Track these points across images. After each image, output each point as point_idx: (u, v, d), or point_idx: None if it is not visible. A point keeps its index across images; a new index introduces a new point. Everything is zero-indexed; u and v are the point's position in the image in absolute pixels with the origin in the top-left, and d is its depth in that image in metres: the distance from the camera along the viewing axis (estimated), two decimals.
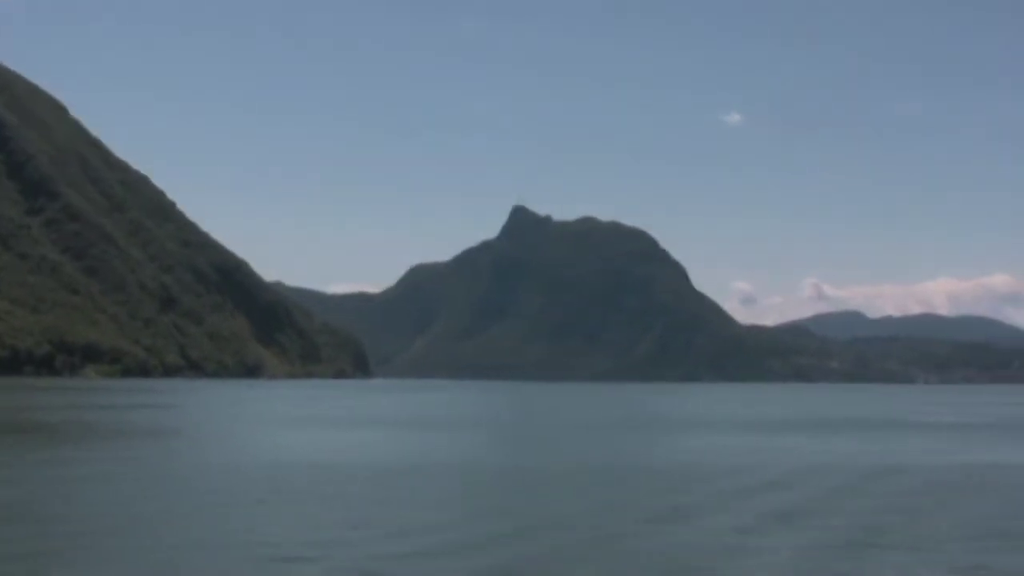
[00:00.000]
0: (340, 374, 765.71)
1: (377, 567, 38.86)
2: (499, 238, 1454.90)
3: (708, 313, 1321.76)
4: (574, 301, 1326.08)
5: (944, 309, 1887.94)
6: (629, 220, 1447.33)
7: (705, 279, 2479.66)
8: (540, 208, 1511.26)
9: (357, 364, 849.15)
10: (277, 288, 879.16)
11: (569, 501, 59.13)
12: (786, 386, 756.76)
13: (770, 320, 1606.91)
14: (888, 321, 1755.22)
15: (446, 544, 43.81)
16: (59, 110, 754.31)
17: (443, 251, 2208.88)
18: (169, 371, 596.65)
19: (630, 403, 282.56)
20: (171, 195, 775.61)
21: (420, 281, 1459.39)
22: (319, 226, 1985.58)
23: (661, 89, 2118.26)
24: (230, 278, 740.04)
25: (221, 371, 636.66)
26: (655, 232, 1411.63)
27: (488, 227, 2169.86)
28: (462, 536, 46.04)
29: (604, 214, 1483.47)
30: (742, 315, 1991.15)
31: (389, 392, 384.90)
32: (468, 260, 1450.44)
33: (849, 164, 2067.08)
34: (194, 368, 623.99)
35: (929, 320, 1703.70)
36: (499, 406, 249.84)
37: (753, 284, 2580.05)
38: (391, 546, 43.15)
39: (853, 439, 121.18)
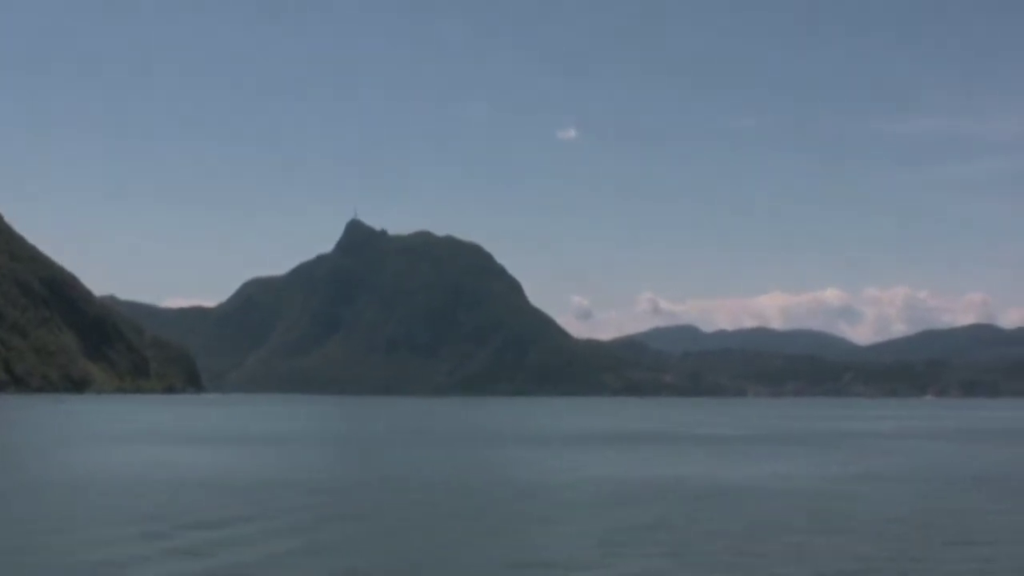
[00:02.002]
0: (171, 389, 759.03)
1: None
2: (334, 252, 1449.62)
3: (543, 327, 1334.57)
4: (410, 316, 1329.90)
5: (777, 323, 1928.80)
6: (464, 235, 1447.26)
7: (541, 294, 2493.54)
8: (375, 222, 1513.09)
9: (189, 379, 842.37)
10: (108, 302, 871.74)
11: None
12: (613, 400, 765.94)
13: (607, 334, 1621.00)
14: (722, 335, 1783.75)
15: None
16: None
17: (278, 265, 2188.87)
18: None
19: (432, 418, 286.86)
20: None
21: (255, 295, 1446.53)
22: (154, 239, 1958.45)
23: (496, 104, 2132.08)
24: (57, 292, 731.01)
25: (47, 386, 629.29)
26: (490, 247, 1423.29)
27: (324, 241, 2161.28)
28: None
29: (439, 228, 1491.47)
30: (578, 329, 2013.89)
31: (196, 407, 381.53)
32: (303, 274, 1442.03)
33: (683, 179, 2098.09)
34: (18, 383, 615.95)
35: (762, 334, 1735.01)
36: (300, 421, 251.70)
37: (589, 298, 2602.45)
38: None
39: (610, 452, 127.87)
